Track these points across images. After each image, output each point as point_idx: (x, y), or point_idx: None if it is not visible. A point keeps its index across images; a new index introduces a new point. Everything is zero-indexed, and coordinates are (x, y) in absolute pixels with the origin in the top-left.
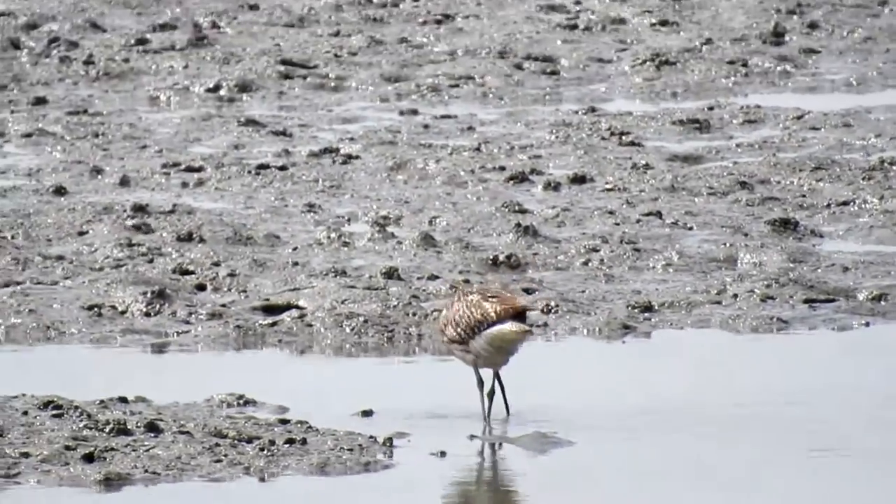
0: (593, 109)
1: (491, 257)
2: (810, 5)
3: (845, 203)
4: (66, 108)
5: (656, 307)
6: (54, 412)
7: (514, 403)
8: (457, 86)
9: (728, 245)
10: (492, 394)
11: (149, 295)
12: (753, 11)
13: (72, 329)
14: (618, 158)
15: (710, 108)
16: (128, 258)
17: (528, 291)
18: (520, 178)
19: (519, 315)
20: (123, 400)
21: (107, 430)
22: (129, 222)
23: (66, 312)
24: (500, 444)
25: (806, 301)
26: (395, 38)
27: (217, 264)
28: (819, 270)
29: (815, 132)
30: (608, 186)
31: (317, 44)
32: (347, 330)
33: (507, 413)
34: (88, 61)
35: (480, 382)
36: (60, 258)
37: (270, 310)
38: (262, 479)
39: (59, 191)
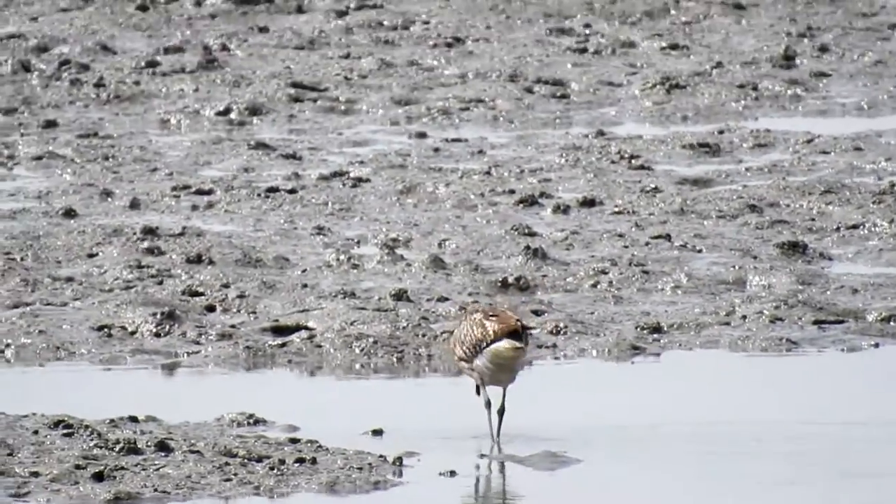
0: (603, 133)
1: (500, 279)
2: (821, 29)
3: (855, 226)
4: (77, 130)
5: (665, 328)
6: (64, 431)
7: (525, 422)
8: (467, 109)
9: (737, 267)
10: (501, 412)
11: (159, 316)
12: (764, 35)
13: (82, 349)
14: (627, 182)
15: (720, 132)
16: (137, 280)
17: (537, 313)
18: (529, 202)
19: (514, 333)
20: (133, 419)
21: (117, 449)
22: (139, 244)
23: (75, 333)
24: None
25: (815, 322)
26: (406, 60)
27: (227, 286)
28: (828, 292)
29: (825, 156)
30: (617, 209)
31: (327, 66)
32: (357, 351)
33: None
34: (99, 84)
35: (488, 403)
36: (70, 280)
37: (280, 331)
38: (272, 498)
39: (69, 213)
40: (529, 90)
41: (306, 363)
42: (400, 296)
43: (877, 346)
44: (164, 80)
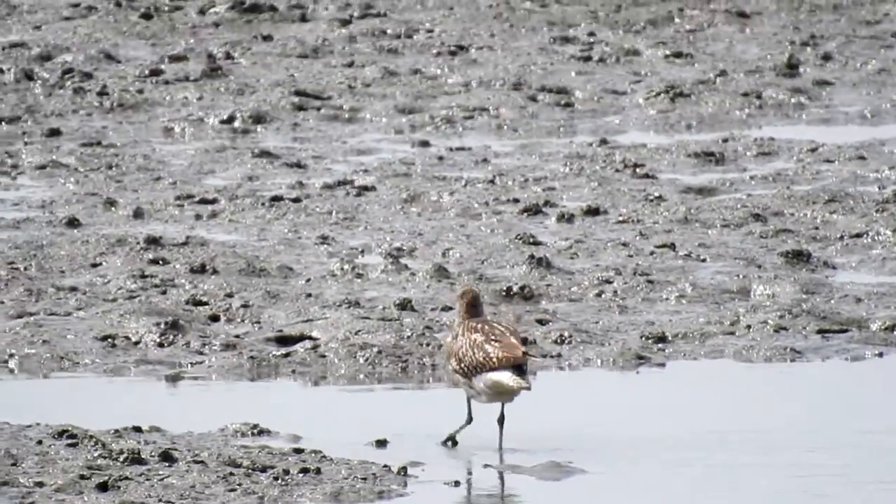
0: (607, 142)
1: (504, 289)
2: (824, 37)
3: (858, 235)
4: (80, 139)
5: (670, 338)
6: (69, 441)
7: (529, 432)
8: (471, 117)
9: (741, 276)
10: (501, 421)
11: (162, 326)
12: (767, 43)
13: (86, 359)
14: (632, 190)
15: (725, 141)
16: (141, 289)
17: (541, 322)
18: (534, 211)
19: (518, 367)
20: (138, 429)
21: (121, 459)
22: (143, 254)
23: (79, 343)
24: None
25: (819, 331)
26: (409, 69)
27: (230, 295)
28: (832, 301)
29: (828, 164)
30: (622, 218)
31: (331, 75)
32: (361, 360)
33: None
34: (102, 92)
35: (469, 419)
36: (74, 289)
37: (284, 340)
38: None
39: (73, 223)
40: (533, 98)
41: (310, 373)
42: (404, 305)
43: (881, 355)
44: (168, 89)
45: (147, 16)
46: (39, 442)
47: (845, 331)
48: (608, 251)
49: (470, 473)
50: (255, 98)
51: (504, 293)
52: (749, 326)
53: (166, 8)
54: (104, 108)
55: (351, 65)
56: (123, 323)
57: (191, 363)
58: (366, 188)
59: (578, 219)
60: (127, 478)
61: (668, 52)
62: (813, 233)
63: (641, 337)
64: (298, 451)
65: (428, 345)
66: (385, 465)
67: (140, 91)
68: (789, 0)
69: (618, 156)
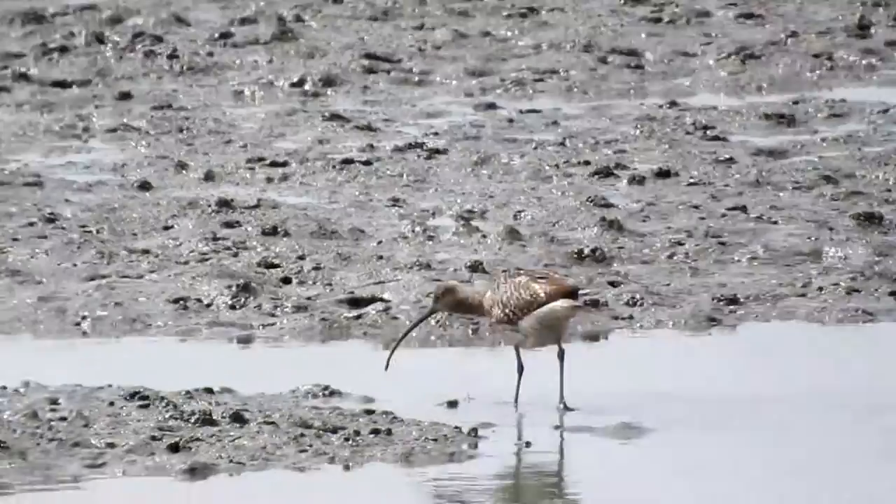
0: (677, 104)
1: (576, 251)
2: None
3: None
4: (151, 102)
5: (742, 300)
6: (140, 403)
7: (600, 394)
8: (541, 80)
9: (813, 239)
10: (562, 356)
11: (234, 288)
12: (838, 4)
13: (157, 322)
14: (702, 153)
15: (795, 103)
16: (213, 252)
17: (613, 285)
18: (605, 173)
19: (569, 295)
20: (209, 391)
21: (192, 420)
22: (215, 217)
23: (151, 305)
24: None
25: (891, 294)
26: (480, 31)
27: (302, 258)
28: None
29: None
30: (693, 181)
31: (401, 38)
32: (433, 322)
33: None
34: (173, 55)
35: (521, 368)
36: (146, 252)
37: (355, 302)
38: (347, 469)
39: (144, 185)
40: (603, 60)
41: (382, 335)
42: (475, 267)
43: None
44: (238, 52)
45: None
46: (111, 403)
47: None
48: (679, 213)
49: (541, 434)
50: (326, 61)
51: (575, 255)
52: (821, 289)
53: None
54: (174, 72)
55: (421, 27)
56: (195, 285)
57: (262, 325)
58: (436, 151)
59: (650, 181)
60: (198, 439)
61: (738, 14)
62: (885, 195)
63: (713, 299)
64: (369, 412)
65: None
66: (456, 427)
67: (210, 54)
68: None
69: (688, 118)
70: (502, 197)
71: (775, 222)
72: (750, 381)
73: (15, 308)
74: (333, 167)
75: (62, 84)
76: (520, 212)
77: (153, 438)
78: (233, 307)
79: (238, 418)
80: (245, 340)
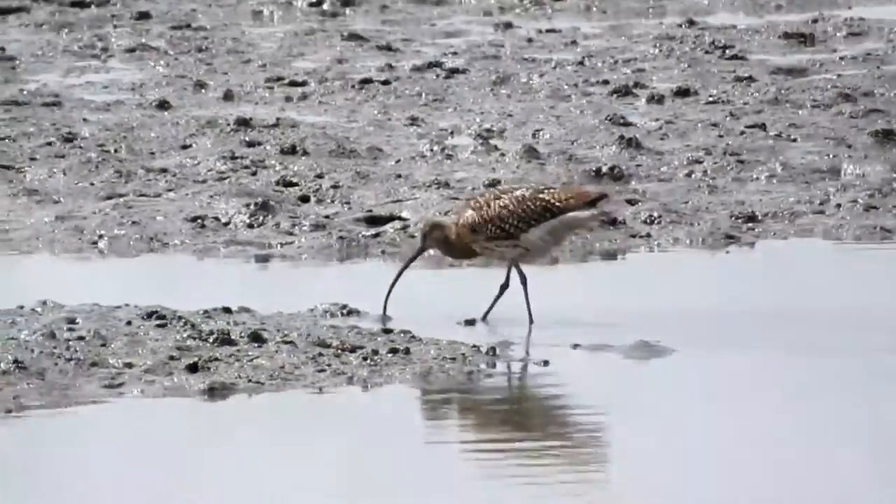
0: (696, 22)
1: (594, 169)
2: None
3: None
4: (170, 22)
5: (760, 217)
6: (158, 322)
7: (619, 312)
8: None
9: (831, 156)
10: (505, 287)
11: (252, 207)
12: None
13: (175, 240)
14: (721, 71)
15: (814, 21)
16: (231, 171)
17: (630, 203)
18: (623, 92)
19: (590, 204)
20: (227, 310)
21: (211, 340)
22: (233, 136)
23: (169, 224)
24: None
25: None
26: None
27: (320, 176)
28: None
29: None
30: (712, 99)
31: None
32: None
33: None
34: None
35: (524, 279)
36: (164, 171)
37: (373, 221)
38: (366, 389)
39: (163, 105)
40: None
41: (400, 253)
42: (494, 185)
43: None
44: None
45: None
46: (129, 323)
47: None
48: (698, 131)
49: (558, 353)
50: None
51: (594, 173)
52: (839, 206)
53: None
54: None
55: None
56: (213, 204)
57: (280, 244)
58: (455, 70)
59: (668, 100)
60: (216, 358)
61: None
62: None
63: (731, 217)
64: (387, 331)
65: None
66: (474, 346)
67: None
68: None
69: (707, 37)
70: (521, 116)
71: (794, 140)
72: (767, 298)
73: (32, 227)
74: (352, 87)
75: (80, 4)
76: (538, 131)
77: (171, 358)
78: (251, 226)
79: (256, 338)
80: (263, 259)
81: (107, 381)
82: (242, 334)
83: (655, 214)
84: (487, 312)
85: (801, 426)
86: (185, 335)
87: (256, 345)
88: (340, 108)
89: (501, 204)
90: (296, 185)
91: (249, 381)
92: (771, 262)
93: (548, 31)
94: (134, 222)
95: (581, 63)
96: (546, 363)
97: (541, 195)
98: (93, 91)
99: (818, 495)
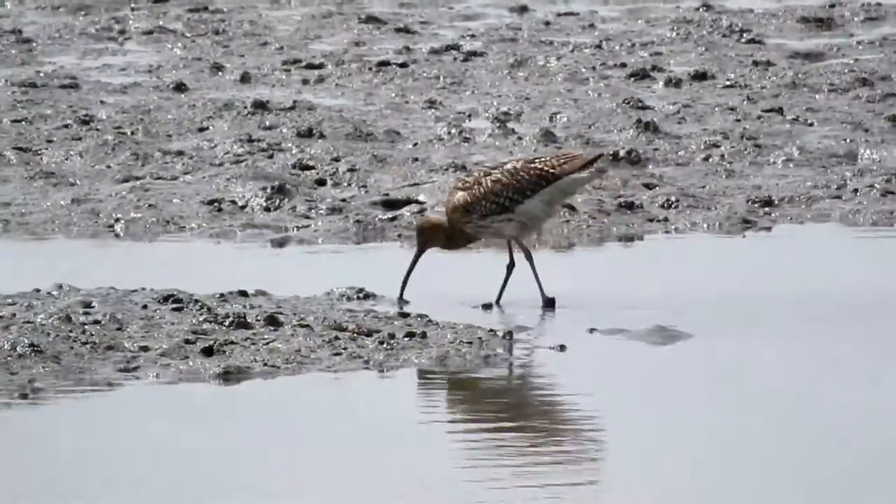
0: (712, 6)
1: (612, 153)
2: None
3: None
4: (187, 5)
5: (777, 202)
6: (174, 306)
7: (635, 296)
8: None
9: (848, 141)
10: (512, 266)
11: (269, 190)
12: None
13: (192, 224)
14: (739, 55)
15: (832, 6)
16: (248, 154)
17: (648, 187)
18: (641, 75)
19: (584, 166)
20: (243, 294)
21: (226, 323)
22: (250, 118)
23: (185, 207)
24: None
25: None
26: None
27: (337, 160)
28: None
29: None
30: (729, 83)
31: None
32: None
33: (497, 302)
34: None
35: (528, 255)
36: (180, 154)
37: (390, 204)
38: (382, 373)
39: (180, 87)
40: None
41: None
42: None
43: None
44: None
45: None
46: (145, 306)
47: None
48: (716, 115)
49: (575, 337)
50: None
51: (611, 157)
52: (856, 190)
53: None
54: None
55: None
56: (230, 187)
57: (297, 227)
58: (473, 53)
59: (686, 83)
60: (232, 342)
61: None
62: None
63: (748, 201)
64: (404, 315)
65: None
66: (491, 330)
67: None
68: None
69: (724, 20)
70: (538, 99)
71: (811, 124)
72: (784, 282)
73: (49, 210)
74: (369, 69)
75: None
76: (555, 114)
77: (187, 342)
78: (267, 209)
79: (272, 321)
80: (279, 242)
81: (122, 364)
82: (258, 318)
83: (673, 199)
84: (500, 295)
85: (812, 412)
86: (200, 319)
87: (272, 328)
88: (357, 91)
89: (493, 179)
90: (312, 168)
91: (265, 364)
92: (788, 246)
93: (565, 14)
94: (150, 205)
95: (598, 46)
96: (563, 348)
97: (533, 164)
98: (110, 73)
99: (826, 479)
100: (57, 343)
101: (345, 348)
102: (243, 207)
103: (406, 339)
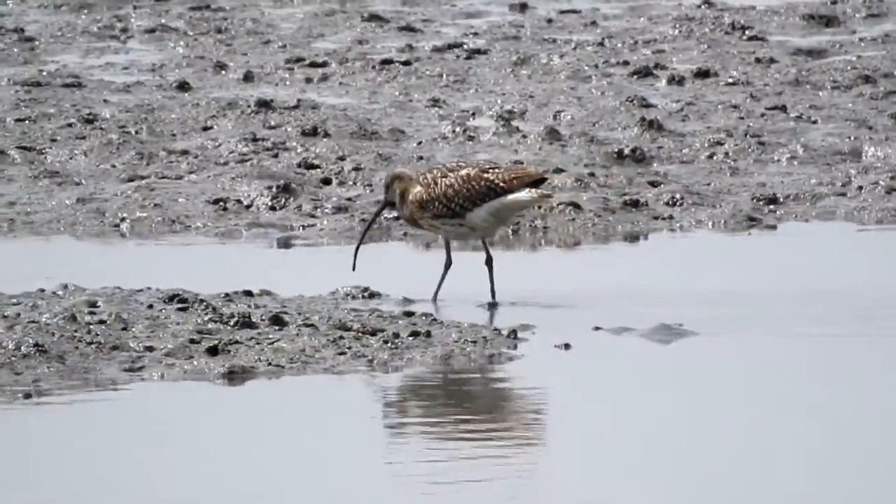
0: (714, 4)
1: (616, 151)
2: None
3: None
4: (189, 3)
5: (781, 200)
6: (179, 306)
7: (640, 294)
8: None
9: (852, 138)
10: (490, 262)
11: (274, 189)
12: None
13: (197, 223)
14: (741, 53)
15: (834, 2)
16: (253, 153)
17: (652, 184)
18: (644, 73)
19: (533, 184)
20: (248, 293)
21: (231, 323)
22: (254, 117)
23: (191, 206)
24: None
25: None
26: None
27: (342, 158)
28: None
29: None
30: (732, 80)
31: None
32: None
33: (493, 299)
34: None
35: (449, 262)
36: (185, 153)
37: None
38: (387, 372)
39: (183, 86)
40: None
41: (421, 236)
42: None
43: None
44: None
45: None
46: (150, 306)
47: None
48: (719, 113)
49: (580, 336)
50: None
51: (615, 155)
52: (860, 188)
53: None
54: None
55: None
56: (235, 186)
57: (302, 226)
58: (476, 51)
59: (689, 81)
60: (237, 342)
61: None
62: None
63: (753, 199)
64: (409, 314)
65: (539, 207)
66: (495, 329)
67: None
68: None
69: (727, 18)
70: (542, 97)
71: (815, 122)
72: (790, 281)
73: (54, 209)
74: (373, 67)
75: None
76: (559, 112)
77: (192, 342)
78: (273, 208)
79: (277, 321)
80: (285, 242)
81: (127, 364)
82: (263, 317)
83: (678, 196)
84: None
85: (818, 410)
86: (205, 318)
87: (277, 328)
88: (361, 90)
89: (447, 182)
90: (317, 167)
91: (269, 364)
92: (793, 244)
93: (567, 11)
94: (155, 205)
95: (601, 44)
96: (567, 347)
97: (485, 175)
98: (113, 72)
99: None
100: (62, 343)
101: (349, 348)
102: (248, 207)
103: (410, 338)
